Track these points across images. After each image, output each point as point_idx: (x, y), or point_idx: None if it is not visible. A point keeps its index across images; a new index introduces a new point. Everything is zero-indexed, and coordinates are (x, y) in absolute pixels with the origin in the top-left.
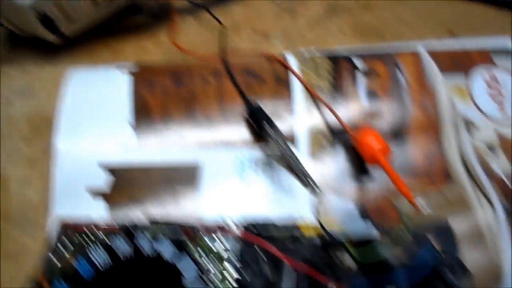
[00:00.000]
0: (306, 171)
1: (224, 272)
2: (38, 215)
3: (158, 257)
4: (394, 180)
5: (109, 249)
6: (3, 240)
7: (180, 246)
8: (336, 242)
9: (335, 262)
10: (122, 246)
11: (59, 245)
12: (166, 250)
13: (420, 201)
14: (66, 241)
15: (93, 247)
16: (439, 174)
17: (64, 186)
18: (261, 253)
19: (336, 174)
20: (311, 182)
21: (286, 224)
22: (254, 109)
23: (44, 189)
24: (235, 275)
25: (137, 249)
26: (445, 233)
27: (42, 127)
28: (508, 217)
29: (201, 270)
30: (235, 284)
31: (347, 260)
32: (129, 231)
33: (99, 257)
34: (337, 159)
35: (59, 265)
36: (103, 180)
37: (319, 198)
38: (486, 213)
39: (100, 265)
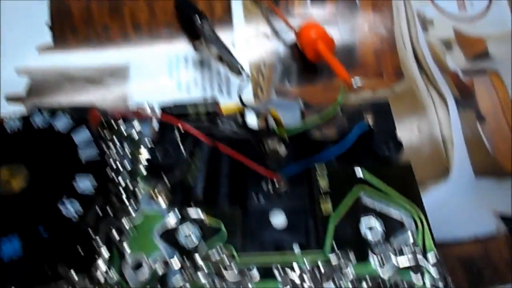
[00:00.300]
0: (235, 58)
1: (138, 155)
2: None
3: (50, 128)
4: (332, 63)
5: None
6: None
7: (79, 122)
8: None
9: (260, 147)
10: (11, 122)
11: None
12: (61, 122)
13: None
14: None
15: None
16: (390, 73)
17: None
18: (178, 135)
19: (278, 75)
20: (240, 68)
21: (206, 103)
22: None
23: None
24: (147, 156)
25: (27, 123)
26: (384, 112)
27: None
28: (459, 109)
29: (102, 147)
30: (144, 162)
31: (272, 143)
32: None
33: None
34: (278, 57)
35: None
36: (20, 85)
37: (246, 82)
38: (437, 107)
39: None
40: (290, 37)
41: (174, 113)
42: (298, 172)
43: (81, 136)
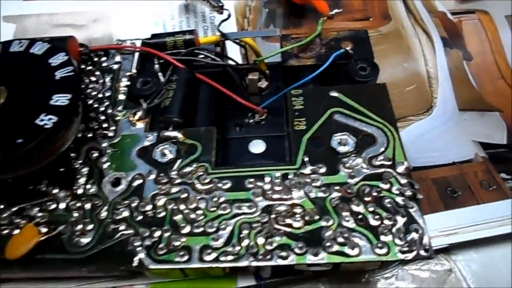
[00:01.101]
0: None
1: (118, 85)
2: None
3: (26, 51)
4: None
5: None
6: None
7: (56, 47)
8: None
9: (240, 78)
10: None
11: None
12: (38, 47)
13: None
14: None
15: None
16: (377, 16)
17: None
18: (157, 65)
19: (263, 18)
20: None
21: (183, 32)
22: None
23: None
24: (126, 83)
25: (4, 48)
26: (362, 39)
27: None
28: (446, 48)
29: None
30: (123, 90)
31: (252, 75)
32: (7, 41)
33: None
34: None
35: None
36: (7, 32)
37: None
38: (424, 47)
39: None
40: None
41: (153, 44)
42: (277, 100)
43: (57, 58)
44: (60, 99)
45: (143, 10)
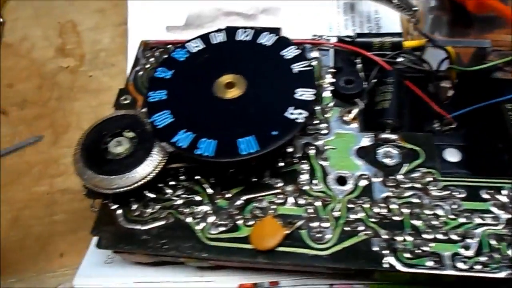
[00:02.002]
0: None
1: (321, 82)
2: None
3: (255, 42)
4: (502, 10)
5: (203, 38)
6: (83, 80)
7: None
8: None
9: (434, 84)
10: (216, 36)
11: (142, 59)
12: (267, 39)
13: None
14: (150, 54)
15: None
16: None
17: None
18: (359, 64)
19: (428, 25)
20: (407, 3)
21: (391, 34)
22: None
23: (115, 35)
24: (330, 80)
25: (231, 35)
26: None
27: None
28: None
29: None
30: (327, 87)
31: (445, 82)
32: (229, 28)
33: (194, 44)
34: (428, 7)
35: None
36: (179, 17)
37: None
38: None
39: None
40: None
41: (359, 42)
42: (474, 110)
43: (289, 51)
44: (305, 94)
45: (309, 6)
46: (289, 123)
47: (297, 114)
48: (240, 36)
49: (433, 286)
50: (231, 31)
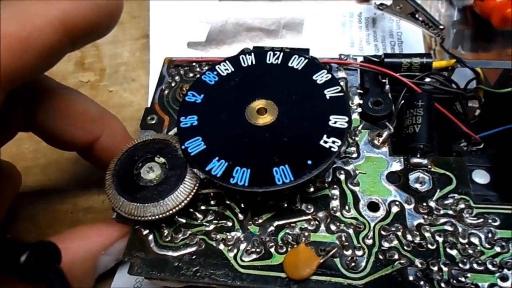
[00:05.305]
0: (428, 12)
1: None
2: (131, 71)
3: (285, 65)
4: None
5: (233, 61)
6: (104, 96)
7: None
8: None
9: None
10: (243, 56)
11: (167, 77)
12: (297, 62)
13: None
14: (175, 72)
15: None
16: None
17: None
18: (387, 85)
19: (450, 39)
20: (434, 22)
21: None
22: None
23: (134, 49)
24: (359, 101)
25: (259, 58)
26: None
27: None
28: None
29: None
30: (355, 108)
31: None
32: (259, 51)
33: (223, 67)
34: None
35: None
36: (201, 33)
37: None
38: None
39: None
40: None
41: (387, 63)
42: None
43: (321, 75)
44: (339, 121)
45: (330, 21)
46: (323, 152)
47: (331, 143)
48: (271, 59)
49: None
50: (260, 53)
